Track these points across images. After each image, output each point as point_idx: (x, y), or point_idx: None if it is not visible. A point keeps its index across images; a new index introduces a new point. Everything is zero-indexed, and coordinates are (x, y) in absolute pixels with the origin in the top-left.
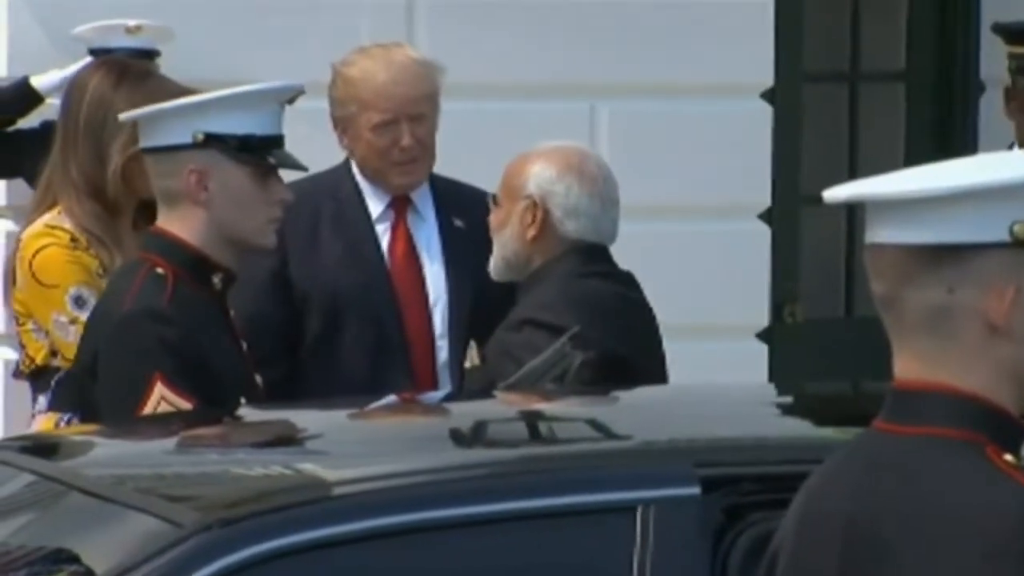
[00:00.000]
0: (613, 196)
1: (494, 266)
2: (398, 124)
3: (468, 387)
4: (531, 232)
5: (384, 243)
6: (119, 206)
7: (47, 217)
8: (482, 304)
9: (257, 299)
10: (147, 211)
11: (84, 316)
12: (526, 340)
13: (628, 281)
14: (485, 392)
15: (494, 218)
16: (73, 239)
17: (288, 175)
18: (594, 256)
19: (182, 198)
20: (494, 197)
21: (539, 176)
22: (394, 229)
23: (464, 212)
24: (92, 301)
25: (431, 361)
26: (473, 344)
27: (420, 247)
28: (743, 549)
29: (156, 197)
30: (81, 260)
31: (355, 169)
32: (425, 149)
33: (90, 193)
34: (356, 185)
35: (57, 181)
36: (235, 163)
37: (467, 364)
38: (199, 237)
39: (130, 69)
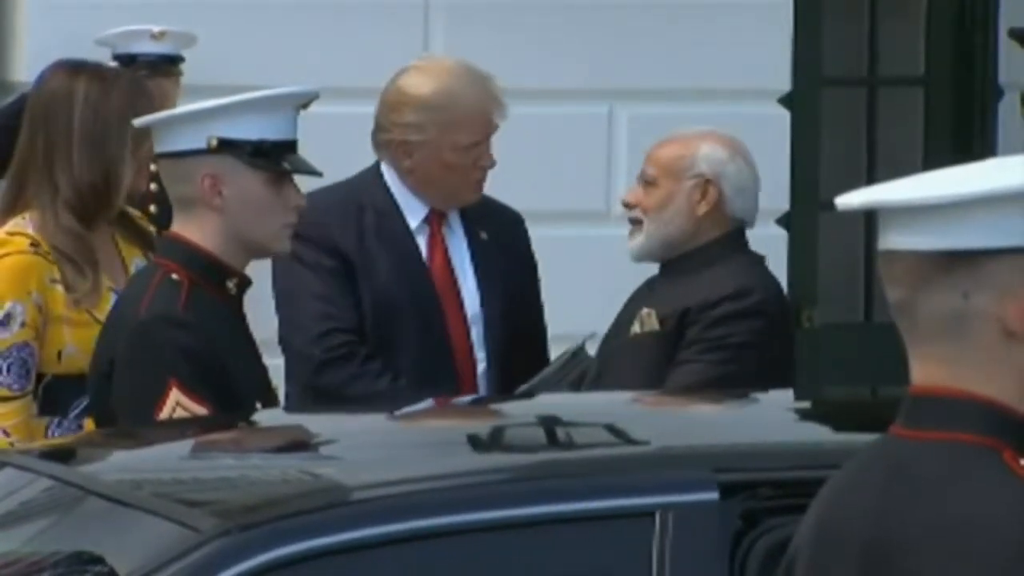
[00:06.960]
0: None
1: (644, 246)
2: (481, 144)
3: (624, 350)
4: (702, 208)
5: (423, 255)
6: (104, 217)
7: (11, 223)
8: (514, 316)
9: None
10: (120, 217)
11: (4, 335)
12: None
13: None
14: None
15: (648, 198)
16: (33, 243)
17: (318, 182)
18: (744, 238)
19: (197, 203)
20: (646, 178)
21: (710, 156)
22: (431, 241)
23: (487, 224)
24: (21, 319)
25: (472, 372)
26: (651, 311)
27: (454, 260)
28: (761, 554)
29: (171, 202)
30: (36, 266)
31: (389, 181)
32: None
33: (72, 204)
34: (391, 196)
35: (34, 190)
36: (249, 168)
37: (636, 330)
38: (214, 242)
39: (107, 74)
